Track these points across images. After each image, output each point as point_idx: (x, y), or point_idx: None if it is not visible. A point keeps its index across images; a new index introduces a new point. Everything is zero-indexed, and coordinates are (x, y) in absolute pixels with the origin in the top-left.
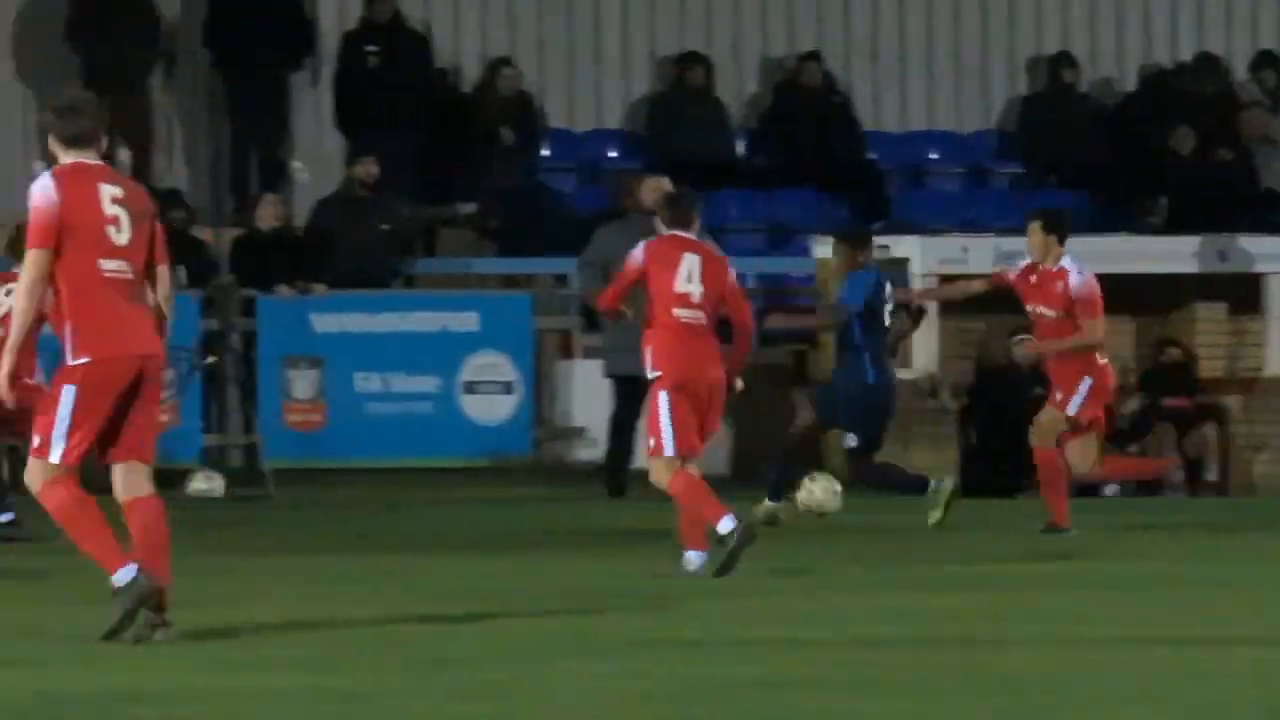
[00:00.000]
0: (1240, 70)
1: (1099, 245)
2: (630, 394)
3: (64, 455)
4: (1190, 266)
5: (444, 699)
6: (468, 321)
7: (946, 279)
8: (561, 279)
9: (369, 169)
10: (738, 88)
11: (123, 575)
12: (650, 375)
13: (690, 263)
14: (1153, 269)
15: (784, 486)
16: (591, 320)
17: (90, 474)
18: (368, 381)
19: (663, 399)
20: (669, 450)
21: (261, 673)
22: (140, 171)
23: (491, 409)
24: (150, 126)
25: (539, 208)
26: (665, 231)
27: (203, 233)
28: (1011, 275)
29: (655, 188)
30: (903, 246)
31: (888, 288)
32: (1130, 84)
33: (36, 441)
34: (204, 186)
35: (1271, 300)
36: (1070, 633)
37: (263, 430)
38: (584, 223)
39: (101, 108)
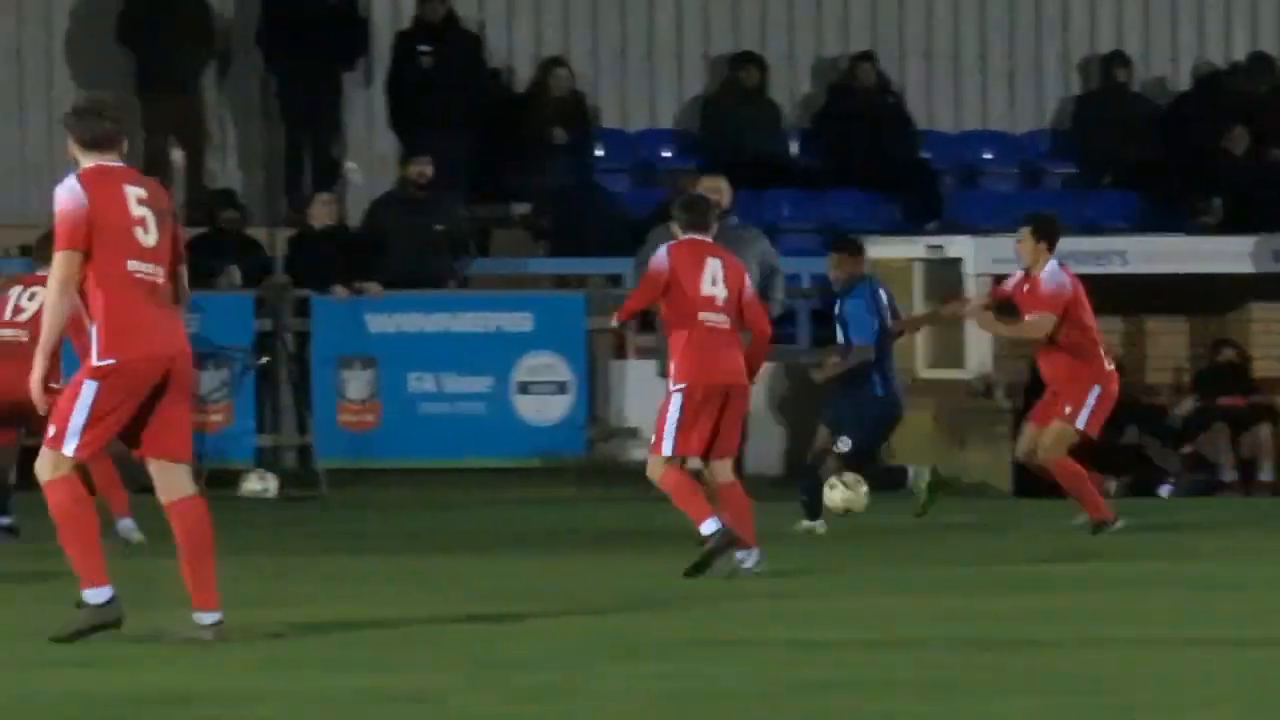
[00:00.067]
0: None
1: (1153, 245)
2: None
3: (77, 450)
4: (1245, 266)
5: (501, 700)
6: (521, 322)
7: (999, 279)
8: (615, 279)
9: (423, 169)
10: (791, 88)
11: (94, 595)
12: (673, 388)
13: (714, 266)
14: (1207, 269)
15: (817, 504)
16: (645, 320)
17: (134, 473)
18: (421, 382)
19: (675, 401)
20: (667, 450)
21: (321, 673)
22: (194, 172)
23: (545, 409)
24: (204, 127)
25: (592, 208)
26: (682, 235)
27: (257, 233)
28: (1008, 288)
29: (711, 188)
30: (956, 247)
31: (884, 296)
32: (1184, 83)
33: (52, 431)
34: (257, 186)
35: None
36: (1126, 634)
37: (316, 430)
38: (637, 223)
39: (121, 110)
